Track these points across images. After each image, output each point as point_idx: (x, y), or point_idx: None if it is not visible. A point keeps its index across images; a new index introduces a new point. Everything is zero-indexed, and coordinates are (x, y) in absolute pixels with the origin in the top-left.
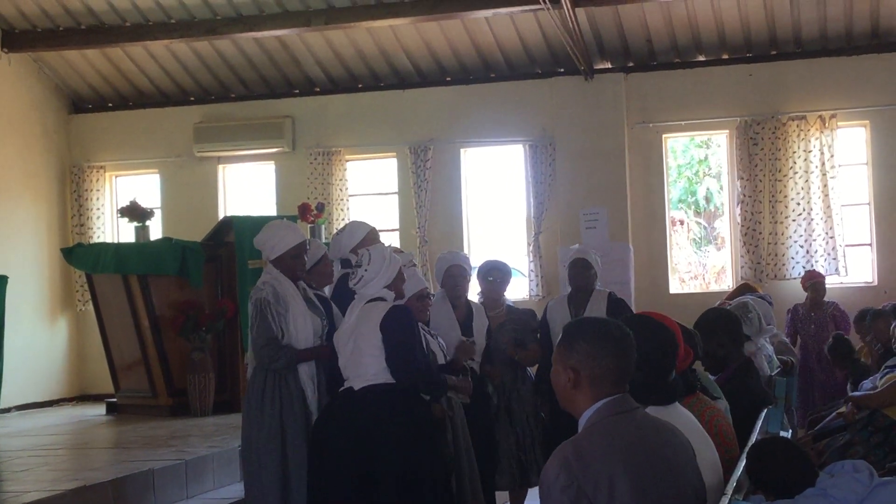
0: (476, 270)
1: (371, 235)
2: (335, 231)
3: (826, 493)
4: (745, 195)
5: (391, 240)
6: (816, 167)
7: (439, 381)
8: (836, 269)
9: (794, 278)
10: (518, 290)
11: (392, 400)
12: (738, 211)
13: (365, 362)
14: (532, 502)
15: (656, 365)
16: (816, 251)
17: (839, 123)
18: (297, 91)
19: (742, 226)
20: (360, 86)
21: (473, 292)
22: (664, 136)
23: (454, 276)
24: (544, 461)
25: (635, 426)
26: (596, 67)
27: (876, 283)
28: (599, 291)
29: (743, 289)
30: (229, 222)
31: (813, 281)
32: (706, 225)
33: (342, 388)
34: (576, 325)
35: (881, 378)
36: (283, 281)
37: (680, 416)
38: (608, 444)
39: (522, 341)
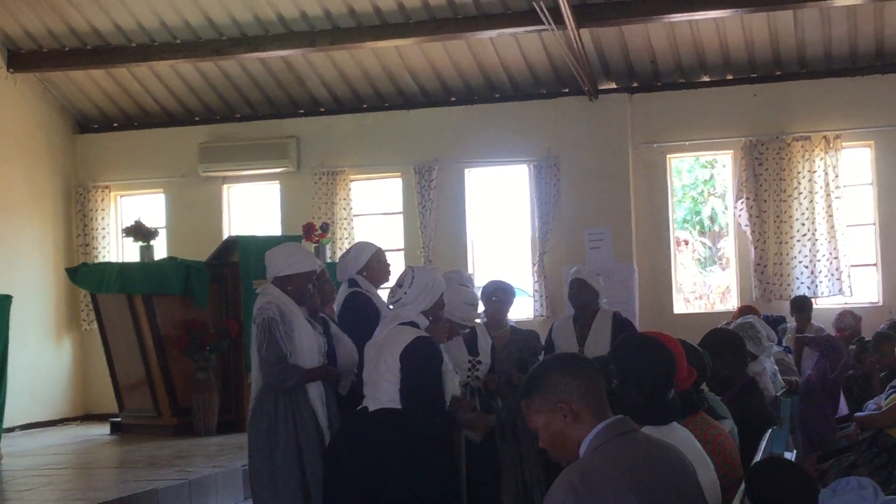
0: (480, 291)
1: (377, 256)
2: (341, 251)
3: None
4: (750, 215)
5: (396, 260)
6: (821, 188)
7: (448, 422)
8: (840, 290)
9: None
10: (523, 311)
11: (403, 425)
12: (742, 232)
13: (381, 385)
14: None
15: (653, 384)
16: (821, 272)
17: (844, 144)
18: (302, 111)
19: (747, 246)
20: (364, 106)
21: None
22: (668, 156)
23: None
24: (547, 480)
25: (638, 447)
26: (600, 88)
27: (881, 303)
28: (604, 311)
29: (745, 310)
30: (234, 242)
31: (858, 328)
32: (711, 245)
33: (359, 408)
34: (535, 372)
35: (885, 398)
36: (287, 301)
37: (677, 437)
38: (613, 467)
39: (526, 363)
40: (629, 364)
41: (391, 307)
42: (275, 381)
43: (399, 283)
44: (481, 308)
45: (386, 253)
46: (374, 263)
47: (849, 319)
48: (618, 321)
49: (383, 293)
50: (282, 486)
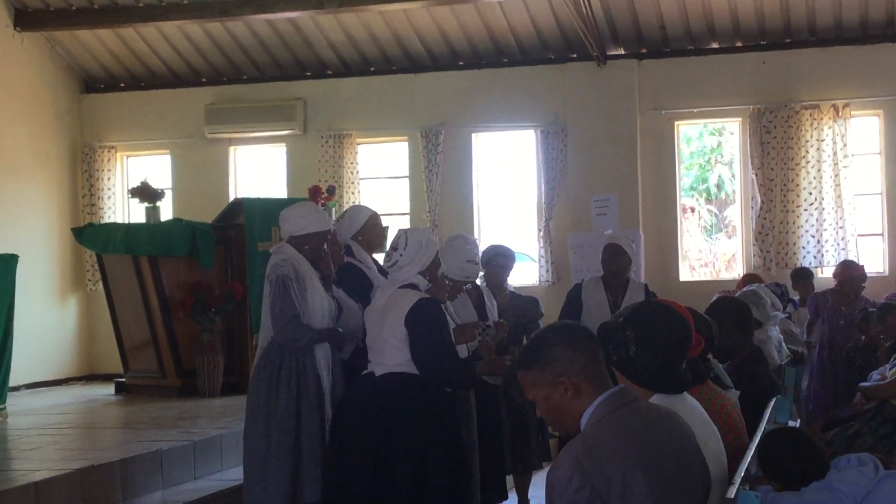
0: (480, 256)
1: (372, 221)
2: (337, 217)
3: (832, 487)
4: (756, 184)
5: (402, 224)
6: (829, 156)
7: (468, 375)
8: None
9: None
10: (528, 276)
11: (410, 389)
12: (749, 199)
13: (387, 350)
14: (537, 488)
15: (669, 353)
16: (827, 241)
17: (853, 113)
18: (309, 74)
19: (753, 214)
20: (372, 69)
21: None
22: (676, 123)
23: None
24: (538, 447)
25: (641, 417)
26: (609, 53)
27: (887, 273)
28: (636, 282)
29: (748, 279)
30: (240, 204)
31: (847, 276)
32: (717, 213)
33: (364, 372)
34: (535, 344)
35: (890, 369)
36: (302, 260)
37: (687, 406)
38: (617, 440)
39: (524, 330)
40: (647, 331)
41: (388, 270)
42: (287, 340)
43: (394, 247)
44: (482, 272)
45: (391, 217)
46: (370, 227)
47: (843, 266)
48: (650, 295)
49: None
50: (275, 446)
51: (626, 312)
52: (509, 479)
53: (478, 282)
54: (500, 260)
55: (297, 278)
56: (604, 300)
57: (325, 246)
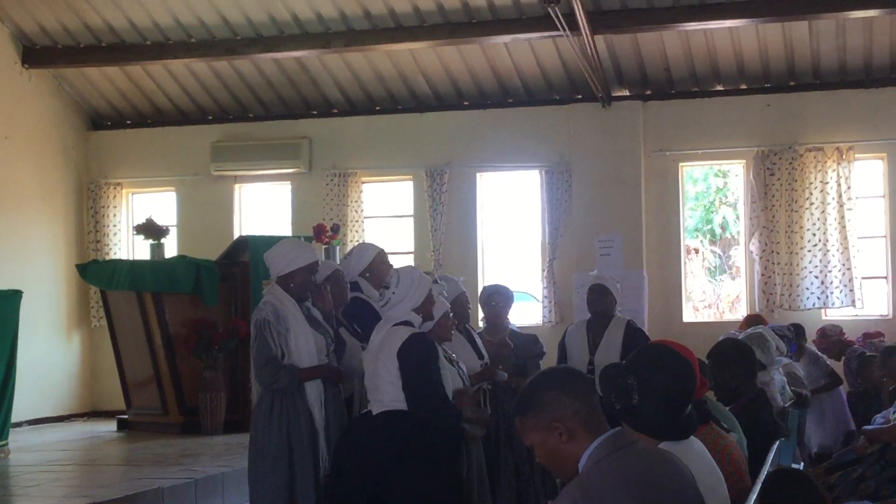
0: (479, 295)
1: (379, 258)
2: (344, 254)
3: None
4: (761, 225)
5: (406, 263)
6: (833, 199)
7: (453, 412)
8: (852, 302)
9: (808, 309)
10: (531, 316)
11: (407, 427)
12: (753, 241)
13: (383, 387)
14: None
15: (673, 399)
16: (832, 283)
17: (857, 155)
18: (315, 112)
19: (758, 256)
20: (377, 108)
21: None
22: (681, 164)
23: (462, 303)
24: (543, 490)
25: (639, 460)
26: (614, 95)
27: (891, 316)
28: (618, 318)
29: (751, 320)
30: (245, 242)
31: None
32: (721, 254)
33: (363, 412)
34: (529, 389)
35: (894, 412)
36: (285, 300)
37: (695, 451)
38: (615, 482)
39: (525, 368)
40: (649, 378)
41: (382, 310)
42: (265, 382)
43: (386, 286)
44: (481, 314)
45: (396, 256)
46: (378, 265)
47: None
48: (630, 330)
49: None
50: (270, 485)
51: (628, 359)
52: None
53: (480, 324)
54: (496, 299)
55: (279, 319)
56: (583, 341)
57: (314, 278)
